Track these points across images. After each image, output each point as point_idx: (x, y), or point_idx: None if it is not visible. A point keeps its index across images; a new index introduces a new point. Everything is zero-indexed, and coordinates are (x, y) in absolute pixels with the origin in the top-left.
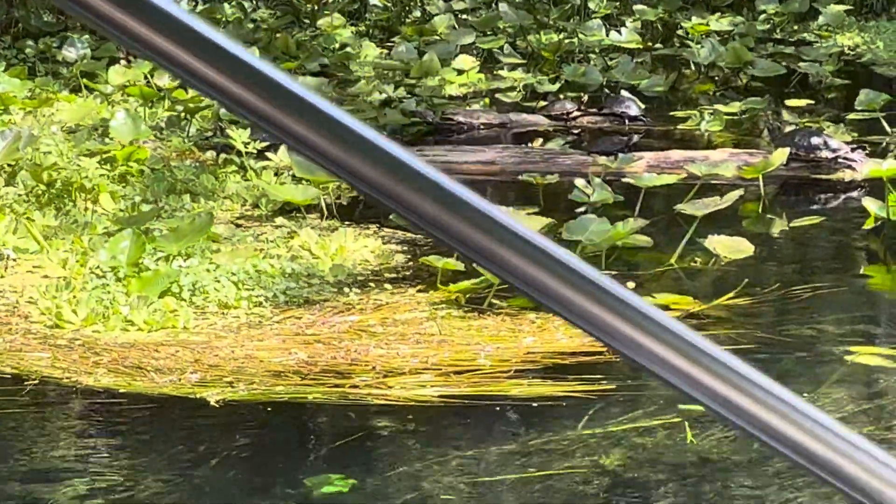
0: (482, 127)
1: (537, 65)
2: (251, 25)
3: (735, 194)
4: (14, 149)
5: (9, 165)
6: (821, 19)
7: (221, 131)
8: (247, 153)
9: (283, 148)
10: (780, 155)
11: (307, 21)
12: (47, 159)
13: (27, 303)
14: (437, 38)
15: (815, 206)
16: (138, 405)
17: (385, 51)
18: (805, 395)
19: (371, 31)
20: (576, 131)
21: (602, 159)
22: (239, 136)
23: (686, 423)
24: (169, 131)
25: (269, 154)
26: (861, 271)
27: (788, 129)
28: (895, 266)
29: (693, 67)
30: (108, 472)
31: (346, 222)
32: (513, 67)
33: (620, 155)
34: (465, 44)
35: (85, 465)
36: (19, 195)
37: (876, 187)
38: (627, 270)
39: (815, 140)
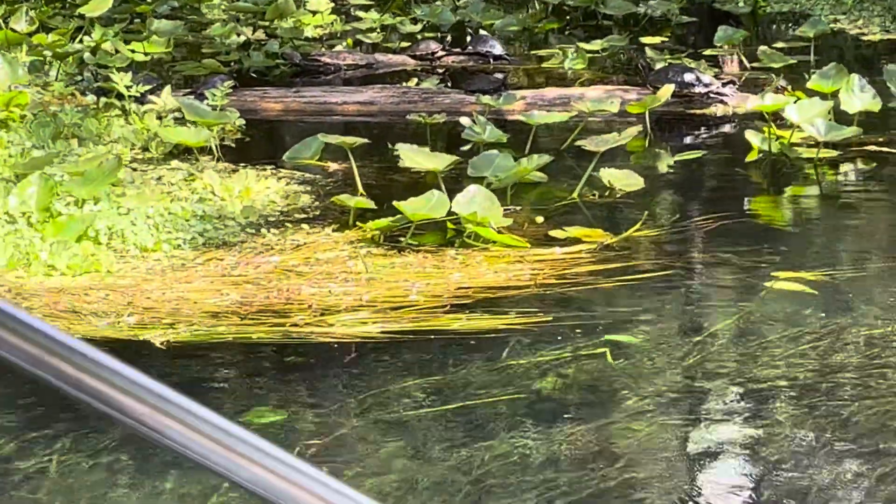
0: (348, 68)
1: (386, 5)
2: None
3: (633, 130)
4: None
5: None
6: None
7: (95, 75)
8: (129, 96)
9: (166, 90)
10: (667, 90)
11: None
12: None
13: None
14: None
15: (690, 140)
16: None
17: None
18: (737, 317)
19: None
20: (440, 71)
21: (485, 98)
22: (121, 80)
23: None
24: (34, 76)
25: (152, 97)
26: (748, 205)
27: (658, 65)
28: (781, 197)
29: (537, 6)
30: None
31: (241, 164)
32: (366, 9)
33: (504, 94)
34: None
35: (49, 412)
36: None
37: (745, 121)
38: (530, 205)
39: (689, 76)
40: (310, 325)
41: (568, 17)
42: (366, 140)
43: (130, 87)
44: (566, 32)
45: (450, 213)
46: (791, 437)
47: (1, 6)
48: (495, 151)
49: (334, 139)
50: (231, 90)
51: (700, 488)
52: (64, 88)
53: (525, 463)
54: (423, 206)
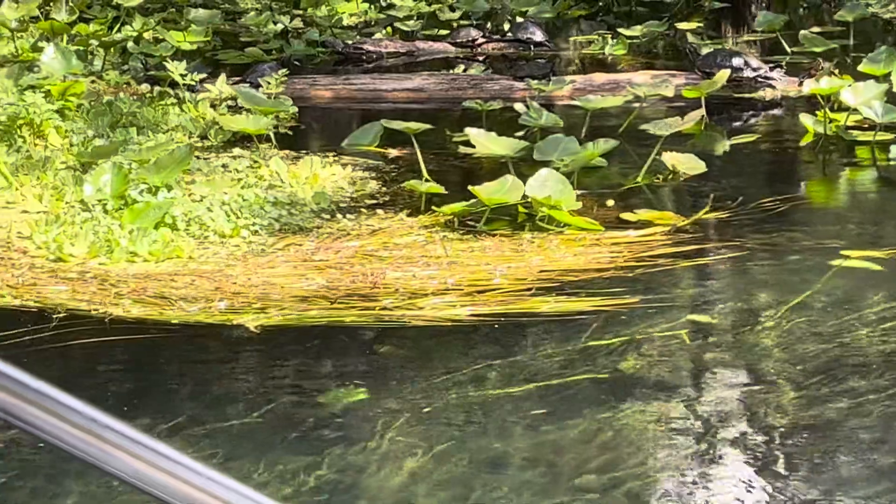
0: (389, 55)
1: None
2: None
3: (696, 114)
4: None
5: None
6: None
7: (145, 64)
8: (183, 85)
9: (220, 79)
10: (723, 75)
11: None
12: None
13: (19, 238)
14: None
15: (742, 124)
16: (181, 333)
17: None
18: (809, 294)
19: None
20: (481, 58)
21: (536, 83)
22: (176, 69)
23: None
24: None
25: (207, 86)
26: (809, 187)
27: (704, 50)
28: (840, 179)
29: None
30: (190, 402)
31: (301, 151)
32: None
33: (553, 79)
34: None
35: (167, 394)
36: None
37: (794, 105)
38: (594, 189)
39: (737, 60)
40: (400, 309)
41: (600, 3)
42: (429, 126)
43: (185, 75)
44: (598, 19)
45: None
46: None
47: None
48: (560, 135)
49: (398, 125)
50: (285, 78)
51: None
52: (119, 77)
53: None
54: (498, 191)
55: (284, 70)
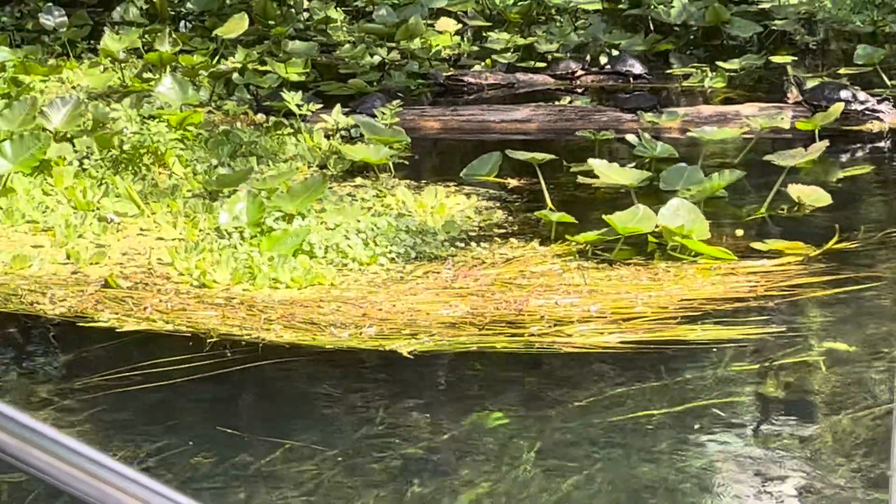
0: (490, 87)
1: (504, 26)
2: None
3: (821, 146)
4: (77, 115)
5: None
6: None
7: (255, 95)
8: (299, 115)
9: (336, 109)
10: (837, 108)
11: None
12: (117, 124)
13: (159, 264)
14: (395, 1)
15: (852, 156)
16: (336, 358)
17: (344, 15)
18: None
19: None
20: (580, 90)
21: (647, 115)
22: (292, 99)
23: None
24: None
25: (323, 116)
26: None
27: (810, 83)
28: None
29: (651, 27)
30: (356, 426)
31: (418, 180)
32: (488, 29)
33: (665, 110)
34: (435, 7)
35: (342, 414)
36: (97, 160)
37: None
38: (721, 219)
39: (845, 93)
40: (548, 335)
41: (692, 37)
42: (553, 156)
43: (301, 105)
44: (687, 52)
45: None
46: None
47: (140, 29)
48: (684, 165)
49: (522, 155)
50: (399, 109)
51: None
52: (237, 107)
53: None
54: (631, 220)
55: (398, 101)
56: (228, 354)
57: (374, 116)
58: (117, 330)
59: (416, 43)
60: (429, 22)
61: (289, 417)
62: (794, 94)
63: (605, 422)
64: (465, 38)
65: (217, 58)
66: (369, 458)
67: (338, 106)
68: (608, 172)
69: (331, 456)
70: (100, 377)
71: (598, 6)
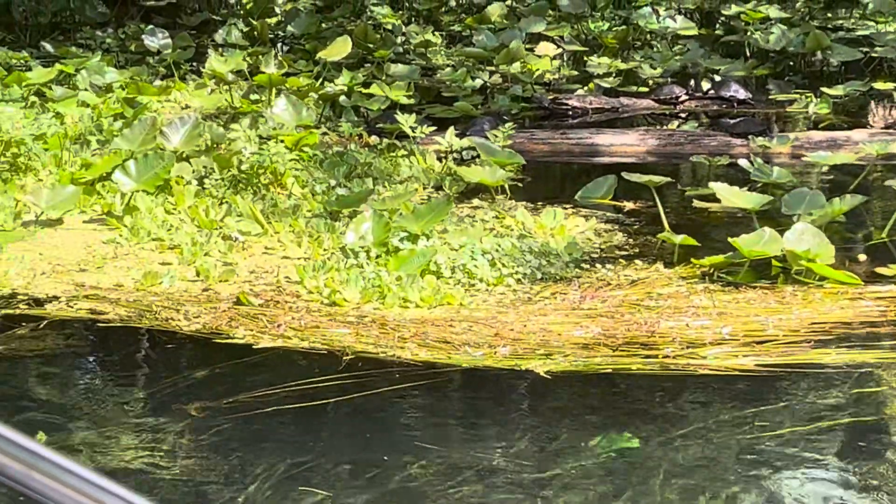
0: (594, 111)
1: (600, 51)
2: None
3: None
4: (195, 135)
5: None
6: (870, 6)
7: (366, 117)
8: (412, 137)
9: (449, 131)
10: None
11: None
12: (234, 145)
13: (288, 282)
14: (493, 26)
15: None
16: (473, 376)
17: (441, 38)
18: None
19: (412, 19)
20: (683, 115)
21: (759, 140)
22: (406, 121)
23: None
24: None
25: (437, 138)
26: None
27: None
28: None
29: (748, 52)
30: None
31: (531, 202)
32: (587, 54)
33: (777, 135)
34: (531, 31)
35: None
36: (217, 180)
37: None
38: (841, 244)
39: None
40: (682, 357)
41: (791, 63)
42: (669, 179)
43: (414, 128)
44: (786, 78)
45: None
46: None
47: (243, 51)
48: (806, 189)
49: (638, 178)
50: (513, 131)
51: None
52: (352, 129)
53: None
54: (757, 243)
55: (511, 124)
56: (369, 372)
57: (485, 139)
58: (253, 346)
59: (515, 67)
60: (528, 46)
61: (442, 432)
62: (879, 120)
63: (748, 441)
64: (564, 63)
65: (321, 80)
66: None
67: (451, 128)
68: (729, 196)
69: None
70: (247, 394)
71: (695, 31)
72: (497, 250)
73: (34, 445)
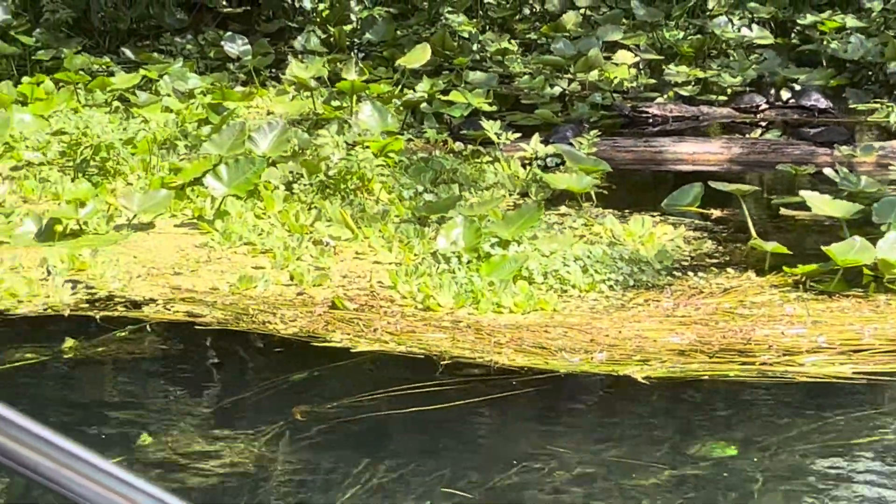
0: (675, 119)
1: (676, 59)
2: (394, 26)
3: None
4: (283, 140)
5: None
6: None
7: (449, 124)
8: (497, 144)
9: (534, 138)
10: None
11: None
12: (323, 150)
13: (380, 286)
14: (567, 34)
15: None
16: (572, 382)
17: (514, 46)
18: None
19: (487, 27)
20: (763, 124)
21: (844, 149)
22: (491, 127)
23: None
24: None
25: (522, 144)
26: None
27: None
28: None
29: (824, 62)
30: (602, 450)
31: (617, 210)
32: (663, 62)
33: (862, 145)
34: (608, 39)
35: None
36: (305, 185)
37: None
38: None
39: None
40: (779, 365)
41: (868, 72)
42: (756, 188)
43: (499, 134)
44: (863, 87)
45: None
46: None
47: (323, 58)
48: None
49: (725, 186)
50: (598, 139)
51: None
52: (437, 135)
53: None
54: (849, 251)
55: (595, 131)
56: (469, 376)
57: (570, 146)
58: (351, 350)
59: (593, 75)
60: (605, 54)
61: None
62: None
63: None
64: (642, 71)
65: (400, 87)
66: (619, 480)
67: (536, 135)
68: (820, 204)
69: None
70: (351, 398)
71: (771, 41)
72: (588, 257)
73: (69, 444)
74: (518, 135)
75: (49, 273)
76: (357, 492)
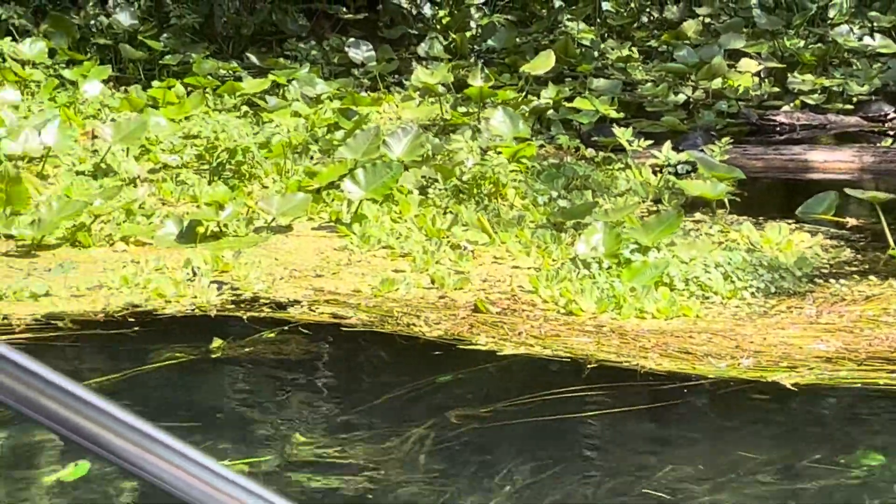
0: (802, 128)
1: (798, 68)
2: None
3: None
4: (417, 145)
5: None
6: None
7: (579, 131)
8: (629, 150)
9: (666, 146)
10: None
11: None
12: (458, 155)
13: (521, 291)
14: (688, 42)
15: None
16: (723, 388)
17: (635, 53)
18: None
19: (606, 34)
20: (892, 132)
21: None
22: (623, 135)
23: None
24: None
25: (653, 151)
26: None
27: None
28: None
29: None
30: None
31: (751, 217)
32: (781, 70)
33: None
34: (729, 48)
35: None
36: (440, 190)
37: None
38: None
39: None
40: None
41: None
42: (892, 196)
43: (631, 141)
44: None
45: None
46: None
47: (448, 64)
48: None
49: (861, 194)
50: (730, 146)
51: None
52: (569, 141)
53: None
54: None
55: (727, 139)
56: (617, 380)
57: (701, 153)
58: (497, 353)
59: (716, 83)
60: (728, 62)
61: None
62: None
63: None
64: (765, 80)
65: (524, 93)
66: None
67: (668, 142)
68: None
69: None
70: (505, 402)
71: (894, 50)
72: (728, 263)
73: (183, 444)
74: (650, 142)
75: (195, 274)
76: (509, 493)
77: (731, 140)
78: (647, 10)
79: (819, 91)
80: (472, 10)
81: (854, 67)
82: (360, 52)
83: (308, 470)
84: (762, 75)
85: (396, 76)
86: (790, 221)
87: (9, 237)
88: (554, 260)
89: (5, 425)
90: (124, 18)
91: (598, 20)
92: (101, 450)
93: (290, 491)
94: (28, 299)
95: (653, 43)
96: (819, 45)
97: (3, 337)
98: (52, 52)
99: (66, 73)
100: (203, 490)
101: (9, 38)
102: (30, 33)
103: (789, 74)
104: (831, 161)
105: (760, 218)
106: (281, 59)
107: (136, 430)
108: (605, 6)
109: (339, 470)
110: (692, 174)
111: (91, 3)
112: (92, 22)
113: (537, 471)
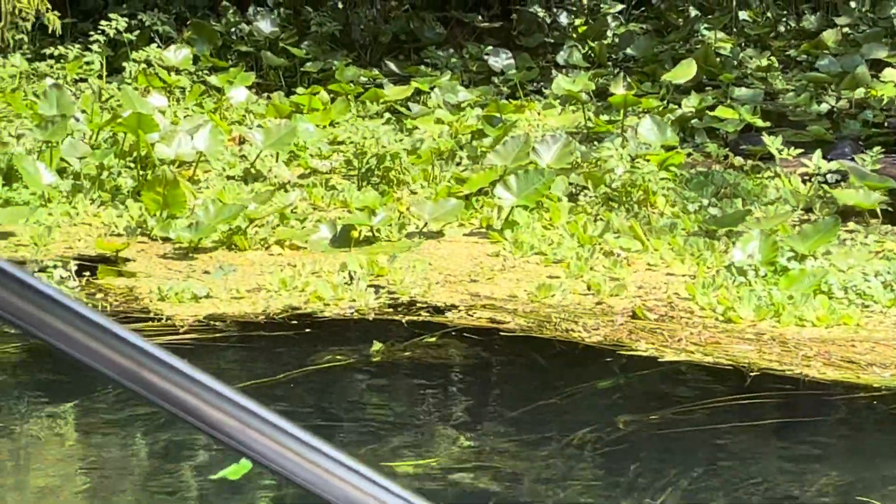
0: None
1: None
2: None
3: None
4: (566, 153)
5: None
6: None
7: (726, 139)
8: (780, 159)
9: (816, 154)
10: None
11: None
12: (608, 163)
13: (678, 298)
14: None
15: None
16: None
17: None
18: None
19: (744, 43)
20: None
21: None
22: (772, 143)
23: None
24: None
25: (803, 160)
26: None
27: None
28: None
29: None
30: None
31: None
32: None
33: None
34: (871, 57)
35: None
36: (591, 197)
37: None
38: None
39: None
40: None
41: None
42: None
43: (781, 150)
44: None
45: None
46: None
47: (588, 73)
48: None
49: None
50: (881, 156)
51: None
52: (718, 150)
53: None
54: None
55: (878, 148)
56: (782, 389)
57: (851, 162)
58: (658, 360)
59: (859, 92)
60: (871, 72)
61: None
62: None
63: None
64: None
65: (665, 102)
66: None
67: (818, 151)
68: None
69: None
70: (672, 409)
71: None
72: (888, 272)
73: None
74: (801, 150)
75: (352, 278)
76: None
77: (883, 150)
78: (785, 19)
79: None
80: (609, 19)
81: None
82: (500, 60)
83: (468, 469)
84: None
85: (535, 84)
86: None
87: (166, 240)
88: (709, 267)
89: (167, 427)
90: (265, 26)
91: (735, 29)
92: (233, 442)
93: (455, 492)
94: (189, 301)
95: (791, 52)
96: None
97: (169, 337)
98: (195, 59)
99: (212, 80)
100: (340, 487)
101: (154, 45)
102: (173, 40)
103: None
104: None
105: None
106: (421, 67)
107: (263, 419)
108: (742, 15)
109: (500, 470)
110: (842, 183)
111: (231, 11)
112: (233, 29)
113: (709, 475)
